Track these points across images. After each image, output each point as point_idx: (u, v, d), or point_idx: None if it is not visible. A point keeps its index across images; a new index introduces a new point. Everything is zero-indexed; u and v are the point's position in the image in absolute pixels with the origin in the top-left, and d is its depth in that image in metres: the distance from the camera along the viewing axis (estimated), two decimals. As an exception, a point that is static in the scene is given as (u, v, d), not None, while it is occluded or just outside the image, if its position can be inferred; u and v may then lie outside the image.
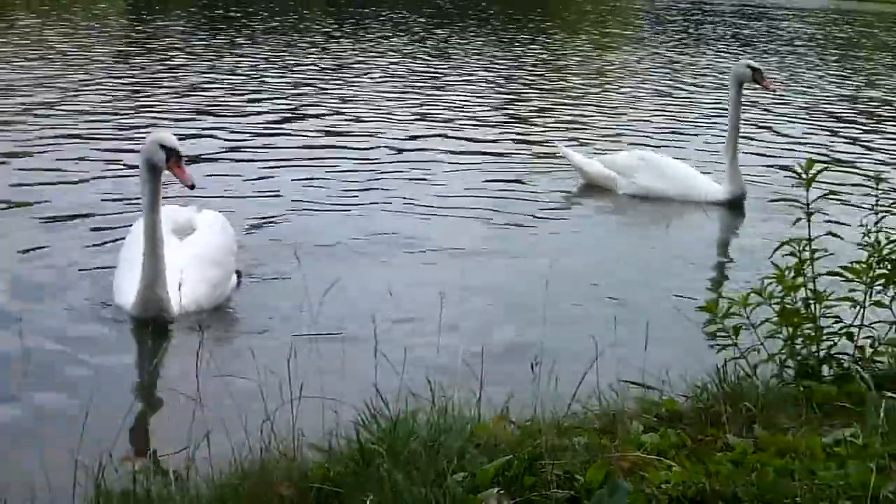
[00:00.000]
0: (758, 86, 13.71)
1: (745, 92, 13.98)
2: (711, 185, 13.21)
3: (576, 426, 4.89)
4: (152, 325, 8.02)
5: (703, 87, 25.47)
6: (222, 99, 18.97)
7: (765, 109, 21.60)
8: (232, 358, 7.31)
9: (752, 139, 17.87)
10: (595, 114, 20.54)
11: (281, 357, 5.33)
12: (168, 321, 8.14)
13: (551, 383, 5.20)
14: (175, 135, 8.22)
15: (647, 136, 18.15)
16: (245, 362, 6.88)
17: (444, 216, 12.01)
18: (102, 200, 11.58)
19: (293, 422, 4.65)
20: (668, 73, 28.37)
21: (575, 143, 16.32)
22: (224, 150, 14.67)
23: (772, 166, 15.51)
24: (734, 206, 13.00)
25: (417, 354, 6.16)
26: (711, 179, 13.40)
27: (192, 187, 8.17)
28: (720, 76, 26.32)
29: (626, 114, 20.73)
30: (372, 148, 15.35)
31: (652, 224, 12.68)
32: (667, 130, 19.07)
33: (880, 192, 6.50)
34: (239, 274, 9.18)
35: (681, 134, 18.65)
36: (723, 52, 35.31)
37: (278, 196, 12.26)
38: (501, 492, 3.99)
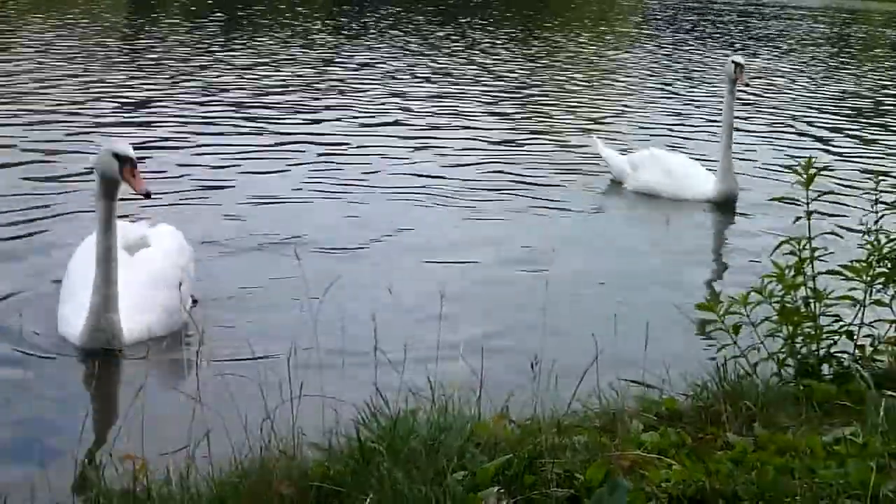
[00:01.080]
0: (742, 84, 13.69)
1: (745, 90, 14.03)
2: (707, 183, 13.22)
3: (576, 425, 4.89)
4: (100, 357, 7.53)
5: (705, 83, 25.52)
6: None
7: (763, 108, 21.63)
8: (232, 358, 7.31)
9: (751, 138, 17.92)
10: (600, 108, 20.60)
11: (281, 356, 5.34)
12: (117, 351, 7.65)
13: (551, 382, 5.20)
14: (134, 139, 8.01)
15: (648, 131, 18.23)
16: (245, 362, 6.89)
17: (444, 211, 12.02)
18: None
19: (293, 421, 4.65)
20: (669, 70, 28.40)
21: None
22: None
23: (771, 165, 15.51)
24: (726, 205, 13.01)
25: (417, 353, 6.15)
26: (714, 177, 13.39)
27: (146, 195, 7.50)
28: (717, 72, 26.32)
29: (627, 109, 20.78)
30: (371, 145, 15.36)
31: (653, 221, 12.66)
32: (667, 126, 19.14)
33: (879, 190, 6.50)
34: (195, 300, 8.69)
35: (682, 129, 18.68)
36: (723, 48, 35.30)
37: (274, 195, 12.26)
38: (501, 490, 4.00)
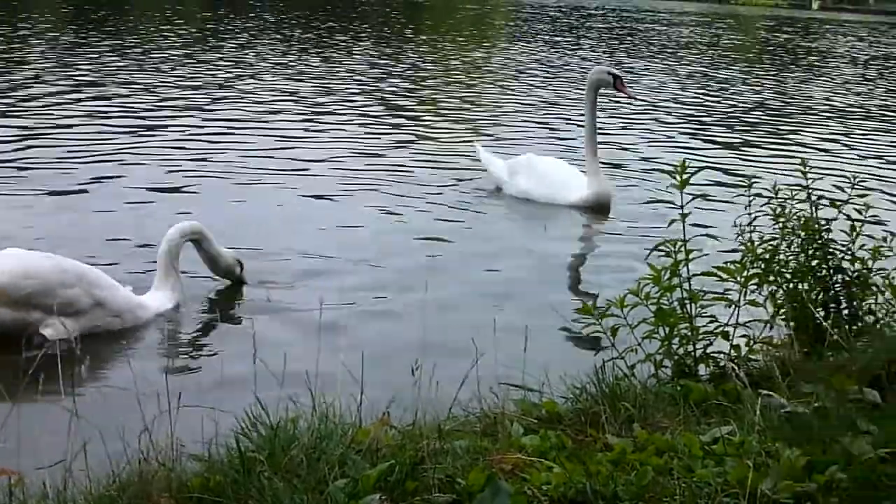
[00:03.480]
0: (619, 92, 13.73)
1: (616, 96, 14.23)
2: (580, 189, 13.26)
3: (457, 430, 4.91)
4: None
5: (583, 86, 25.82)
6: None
7: (635, 113, 21.92)
8: (109, 369, 7.22)
9: (621, 142, 18.16)
10: (481, 113, 20.72)
11: (158, 367, 5.28)
12: None
13: (432, 387, 5.20)
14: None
15: (529, 135, 18.38)
16: (122, 373, 6.79)
17: (316, 218, 11.95)
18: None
19: (171, 432, 4.60)
20: (543, 74, 28.65)
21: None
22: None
23: (647, 169, 15.70)
24: (600, 209, 13.11)
25: (297, 360, 6.12)
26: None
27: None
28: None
29: (508, 113, 20.93)
30: (258, 149, 15.23)
31: (530, 227, 12.72)
32: (548, 129, 19.36)
33: (753, 193, 6.63)
34: None
35: (562, 133, 18.86)
36: (602, 51, 35.72)
37: (137, 199, 12.09)
38: (384, 497, 4.00)
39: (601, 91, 13.41)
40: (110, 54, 26.27)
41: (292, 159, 14.82)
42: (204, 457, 4.53)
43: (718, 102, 25.47)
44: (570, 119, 20.52)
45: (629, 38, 46.46)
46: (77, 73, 22.59)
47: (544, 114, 21.43)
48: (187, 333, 8.18)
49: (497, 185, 13.82)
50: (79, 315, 7.96)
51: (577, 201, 13.08)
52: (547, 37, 43.78)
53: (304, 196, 12.91)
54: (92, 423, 5.08)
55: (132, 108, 18.66)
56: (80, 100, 19.11)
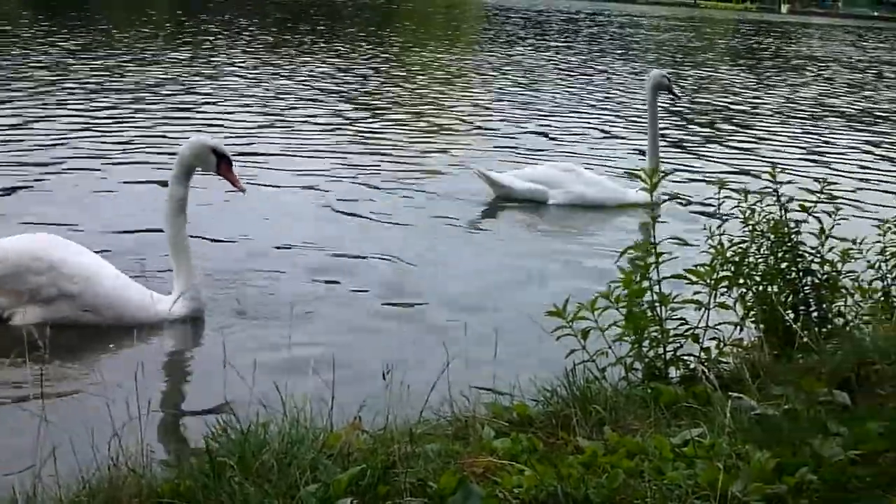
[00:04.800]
0: (671, 94, 14.65)
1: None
2: (630, 190, 13.75)
3: (428, 433, 4.89)
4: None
5: (551, 90, 25.90)
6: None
7: (613, 116, 22.02)
8: (77, 374, 7.18)
9: (598, 146, 18.24)
10: (454, 125, 20.73)
11: (128, 371, 5.26)
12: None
13: (403, 391, 5.20)
14: None
15: (503, 140, 18.46)
16: (91, 378, 6.76)
17: (291, 220, 11.94)
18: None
19: (141, 437, 4.58)
20: (516, 76, 28.72)
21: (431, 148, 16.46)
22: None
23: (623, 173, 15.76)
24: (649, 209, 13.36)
25: (267, 364, 6.11)
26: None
27: (243, 191, 8.42)
28: (557, 78, 26.73)
29: (478, 125, 20.95)
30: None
31: (492, 233, 12.68)
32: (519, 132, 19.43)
33: (723, 196, 6.66)
34: None
35: (530, 140, 18.93)
36: (570, 55, 35.81)
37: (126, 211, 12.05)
38: (355, 501, 3.98)
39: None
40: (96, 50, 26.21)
41: (290, 170, 14.84)
42: (174, 462, 4.51)
43: (689, 105, 25.55)
44: (547, 124, 20.60)
45: (604, 40, 46.56)
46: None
47: (519, 121, 21.48)
48: (157, 337, 8.14)
49: (526, 198, 13.87)
50: (44, 304, 7.96)
51: (639, 200, 13.44)
52: (529, 40, 43.84)
53: (288, 196, 12.93)
54: (61, 429, 5.06)
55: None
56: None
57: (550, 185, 13.89)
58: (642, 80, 30.33)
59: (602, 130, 20.59)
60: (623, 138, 19.77)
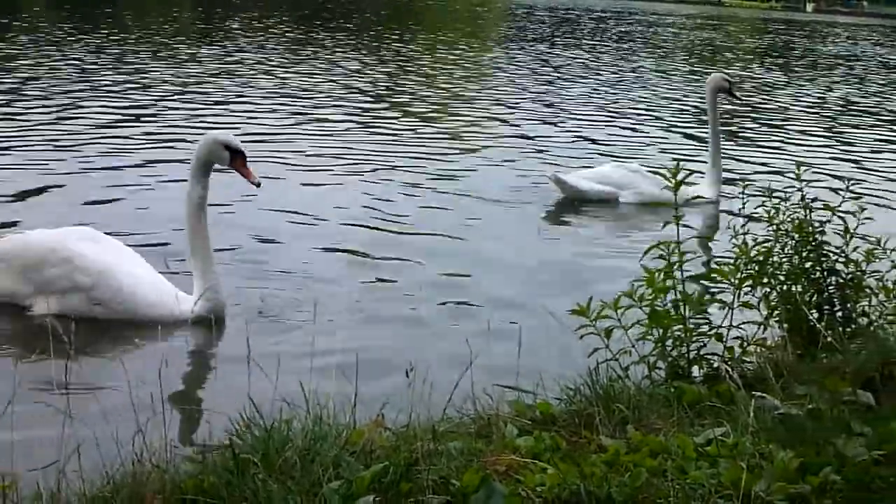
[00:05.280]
0: (731, 97, 15.13)
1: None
2: (702, 186, 13.90)
3: (451, 431, 4.90)
4: None
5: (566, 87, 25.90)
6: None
7: (647, 115, 22.02)
8: (101, 370, 7.20)
9: (633, 145, 18.29)
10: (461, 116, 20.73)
11: (152, 368, 5.27)
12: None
13: (426, 389, 5.20)
14: None
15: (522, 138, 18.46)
16: (116, 374, 6.78)
17: (316, 220, 11.94)
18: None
19: (165, 433, 4.59)
20: (538, 76, 28.69)
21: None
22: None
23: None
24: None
25: (291, 362, 6.12)
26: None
27: (258, 185, 8.39)
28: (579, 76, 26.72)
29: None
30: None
31: (528, 231, 12.65)
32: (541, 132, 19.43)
33: (746, 195, 6.65)
34: None
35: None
36: (607, 53, 35.77)
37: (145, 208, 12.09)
38: (378, 499, 3.99)
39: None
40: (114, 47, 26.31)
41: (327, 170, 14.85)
42: (198, 458, 4.52)
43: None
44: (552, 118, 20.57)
45: (632, 38, 46.50)
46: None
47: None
48: (181, 334, 8.16)
49: (598, 198, 13.95)
50: (61, 296, 8.08)
51: (710, 196, 13.77)
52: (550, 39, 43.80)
53: (314, 194, 13.04)
54: (85, 424, 5.08)
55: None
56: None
57: (620, 186, 13.98)
58: (672, 77, 30.39)
59: (634, 129, 20.58)
60: (658, 136, 19.81)
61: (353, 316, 8.62)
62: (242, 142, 8.32)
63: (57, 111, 17.96)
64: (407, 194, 13.42)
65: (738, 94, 15.60)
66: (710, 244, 11.56)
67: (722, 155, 14.53)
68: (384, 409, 5.10)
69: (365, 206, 12.58)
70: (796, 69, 39.14)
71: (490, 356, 6.40)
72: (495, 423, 4.99)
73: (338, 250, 10.66)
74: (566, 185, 14.02)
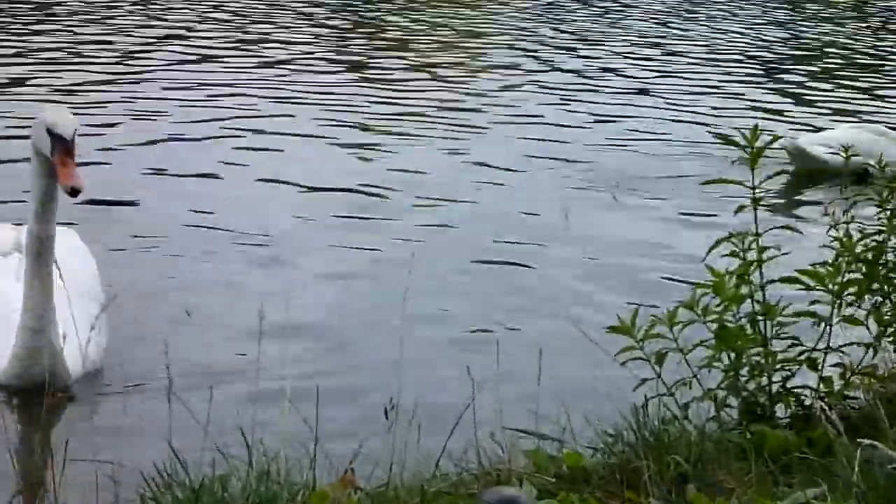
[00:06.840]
0: None
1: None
2: None
3: (447, 492, 4.89)
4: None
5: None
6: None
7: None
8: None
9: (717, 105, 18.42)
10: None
11: (34, 405, 5.26)
12: (55, 392, 7.01)
13: (412, 433, 5.19)
14: None
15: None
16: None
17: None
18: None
19: (56, 496, 4.57)
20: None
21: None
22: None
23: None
24: None
25: (228, 395, 6.10)
26: None
27: (73, 193, 7.38)
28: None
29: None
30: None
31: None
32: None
33: (850, 170, 6.60)
34: None
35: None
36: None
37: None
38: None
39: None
40: None
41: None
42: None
43: (791, 47, 25.61)
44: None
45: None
46: None
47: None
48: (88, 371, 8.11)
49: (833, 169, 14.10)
50: None
51: None
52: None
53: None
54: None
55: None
56: None
57: (868, 154, 14.03)
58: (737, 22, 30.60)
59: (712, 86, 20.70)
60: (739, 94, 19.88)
61: (315, 331, 8.61)
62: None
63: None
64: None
65: None
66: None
67: None
68: (355, 461, 5.08)
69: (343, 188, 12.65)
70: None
71: (499, 388, 6.36)
72: (507, 480, 4.97)
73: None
74: (807, 157, 14.18)
